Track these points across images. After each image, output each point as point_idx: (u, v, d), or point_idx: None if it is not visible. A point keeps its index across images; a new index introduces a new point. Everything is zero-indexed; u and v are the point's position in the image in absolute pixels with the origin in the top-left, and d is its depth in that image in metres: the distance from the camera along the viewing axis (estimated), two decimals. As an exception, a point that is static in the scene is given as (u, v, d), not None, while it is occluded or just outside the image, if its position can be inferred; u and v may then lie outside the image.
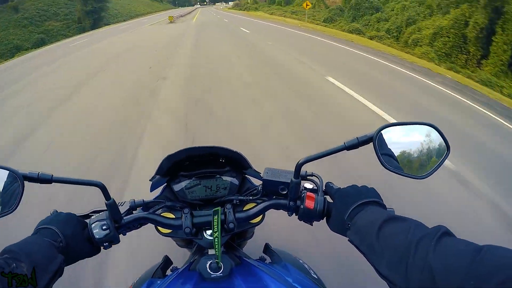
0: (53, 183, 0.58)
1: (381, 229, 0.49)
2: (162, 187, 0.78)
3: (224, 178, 0.75)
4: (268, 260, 0.84)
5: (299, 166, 0.63)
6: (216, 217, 0.57)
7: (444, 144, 0.61)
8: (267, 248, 0.88)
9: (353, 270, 1.68)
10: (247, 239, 0.98)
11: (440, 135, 0.60)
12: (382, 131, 0.59)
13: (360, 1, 17.56)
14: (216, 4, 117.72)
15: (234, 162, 0.74)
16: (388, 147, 0.60)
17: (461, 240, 0.41)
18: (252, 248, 1.09)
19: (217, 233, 0.58)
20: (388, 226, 0.49)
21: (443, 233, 0.43)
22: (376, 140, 0.58)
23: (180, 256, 1.15)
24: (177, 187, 0.74)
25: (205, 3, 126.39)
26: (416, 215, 0.51)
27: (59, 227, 0.58)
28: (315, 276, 0.75)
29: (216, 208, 0.57)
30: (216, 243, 0.59)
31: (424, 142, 0.62)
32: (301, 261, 0.80)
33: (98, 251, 0.65)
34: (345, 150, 0.59)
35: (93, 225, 0.63)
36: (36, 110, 4.98)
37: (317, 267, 0.83)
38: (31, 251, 0.50)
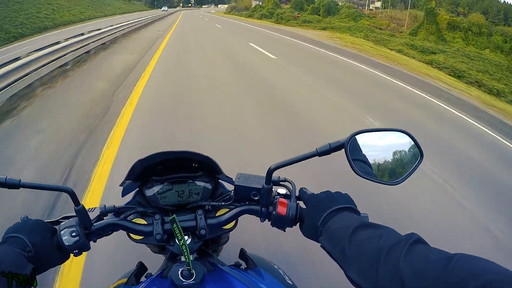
0: (20, 188, 0.56)
1: (353, 235, 0.49)
2: (134, 192, 0.76)
3: (197, 183, 0.73)
4: (244, 265, 0.83)
5: (269, 173, 0.63)
6: (174, 225, 0.55)
7: (417, 150, 0.61)
8: (242, 254, 0.86)
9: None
10: (222, 245, 0.96)
11: (414, 141, 0.61)
12: (355, 137, 0.59)
13: None
14: (203, 6, 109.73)
15: (207, 167, 0.73)
16: (362, 153, 0.60)
17: (433, 248, 0.41)
18: (229, 253, 1.07)
19: (182, 240, 0.56)
20: (361, 232, 0.49)
21: (415, 240, 0.43)
22: (348, 146, 0.58)
23: (156, 262, 1.12)
24: (149, 192, 0.72)
25: (190, 5, 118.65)
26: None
27: (28, 235, 0.56)
28: (290, 282, 0.74)
29: (172, 217, 0.55)
30: (184, 251, 0.57)
31: (398, 148, 0.62)
32: (276, 267, 0.79)
33: (68, 257, 0.63)
34: (317, 157, 0.59)
35: (62, 232, 0.60)
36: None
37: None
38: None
